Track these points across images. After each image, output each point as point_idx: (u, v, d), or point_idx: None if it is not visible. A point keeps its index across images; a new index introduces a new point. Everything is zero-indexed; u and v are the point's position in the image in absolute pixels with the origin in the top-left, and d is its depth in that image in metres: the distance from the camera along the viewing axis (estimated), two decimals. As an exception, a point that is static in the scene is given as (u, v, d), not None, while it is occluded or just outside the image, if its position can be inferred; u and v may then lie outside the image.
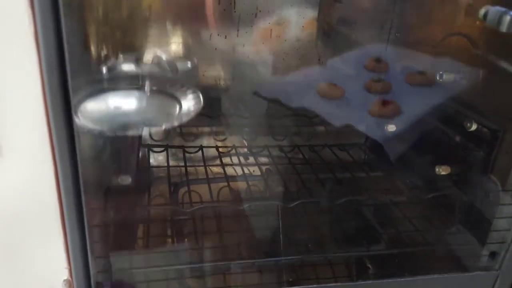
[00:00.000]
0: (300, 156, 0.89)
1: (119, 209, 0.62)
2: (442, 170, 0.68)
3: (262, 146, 0.89)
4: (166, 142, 0.88)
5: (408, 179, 0.78)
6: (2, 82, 0.37)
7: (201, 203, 0.70)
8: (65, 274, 0.45)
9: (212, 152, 0.87)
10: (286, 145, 0.90)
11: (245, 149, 0.89)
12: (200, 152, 0.85)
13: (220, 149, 0.86)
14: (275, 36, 0.81)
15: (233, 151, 0.87)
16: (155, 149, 0.84)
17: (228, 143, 0.89)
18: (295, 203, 0.65)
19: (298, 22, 0.82)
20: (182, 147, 0.85)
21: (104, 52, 0.67)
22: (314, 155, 0.89)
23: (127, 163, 0.72)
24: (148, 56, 0.76)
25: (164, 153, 0.84)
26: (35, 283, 0.46)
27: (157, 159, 0.85)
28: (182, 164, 0.82)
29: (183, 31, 0.78)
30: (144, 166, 0.82)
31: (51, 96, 0.37)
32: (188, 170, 0.79)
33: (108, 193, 0.64)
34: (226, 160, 0.86)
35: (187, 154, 0.84)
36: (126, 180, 0.62)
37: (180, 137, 0.86)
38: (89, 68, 0.64)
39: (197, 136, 0.87)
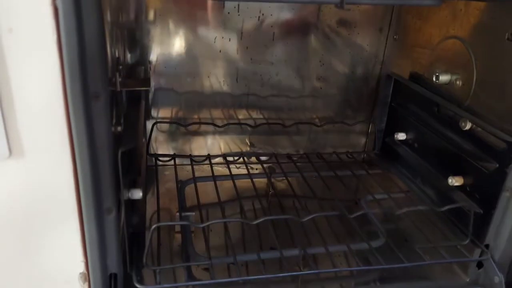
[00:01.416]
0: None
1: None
2: (456, 181, 0.66)
3: (269, 154, 0.91)
4: (173, 151, 0.91)
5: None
6: (24, 84, 0.39)
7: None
8: (81, 267, 0.46)
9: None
10: (294, 153, 0.92)
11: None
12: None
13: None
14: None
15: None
16: (162, 158, 0.87)
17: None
18: (308, 217, 0.62)
19: (300, 24, 0.86)
20: (189, 156, 0.87)
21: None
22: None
23: (136, 173, 0.73)
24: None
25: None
26: (51, 276, 0.47)
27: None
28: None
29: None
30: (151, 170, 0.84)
31: (72, 98, 0.40)
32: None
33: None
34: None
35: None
36: (137, 194, 0.61)
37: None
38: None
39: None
